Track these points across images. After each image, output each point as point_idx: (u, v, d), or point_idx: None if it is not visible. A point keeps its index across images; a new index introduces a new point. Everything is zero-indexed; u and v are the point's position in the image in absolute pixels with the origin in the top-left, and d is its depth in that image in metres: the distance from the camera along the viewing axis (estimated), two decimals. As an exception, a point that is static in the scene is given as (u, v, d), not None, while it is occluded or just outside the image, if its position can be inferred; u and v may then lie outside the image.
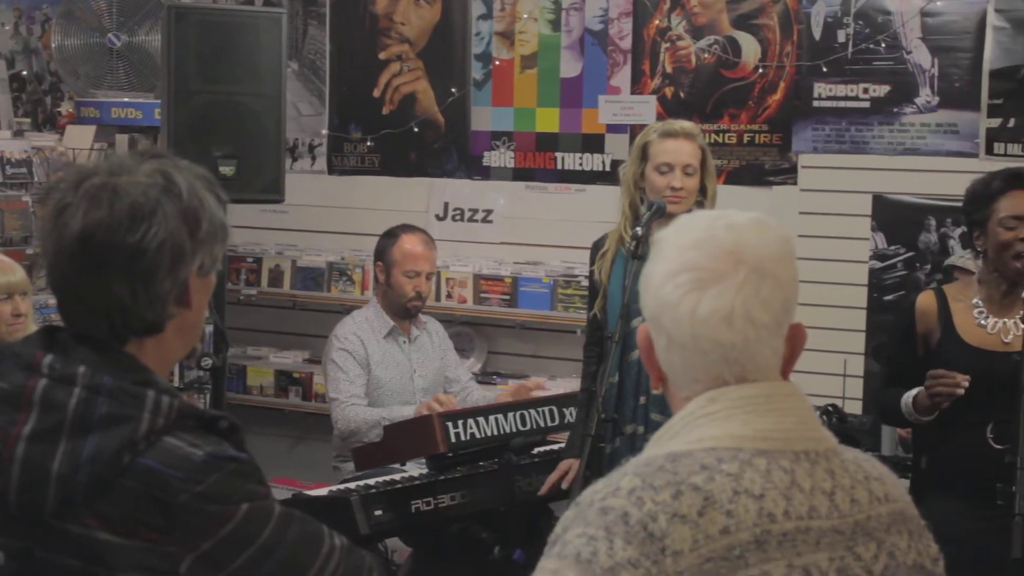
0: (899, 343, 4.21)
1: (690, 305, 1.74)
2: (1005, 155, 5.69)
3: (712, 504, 1.65)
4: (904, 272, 5.96)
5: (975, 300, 4.09)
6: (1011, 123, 5.74)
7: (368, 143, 7.07)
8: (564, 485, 4.56)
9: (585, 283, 6.13)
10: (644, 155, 4.52)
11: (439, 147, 6.91)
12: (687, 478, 1.67)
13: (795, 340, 1.83)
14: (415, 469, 4.89)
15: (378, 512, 4.43)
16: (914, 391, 3.98)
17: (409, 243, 5.64)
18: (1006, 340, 3.98)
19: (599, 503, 1.68)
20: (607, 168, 6.45)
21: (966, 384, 3.81)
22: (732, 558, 1.63)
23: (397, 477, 4.74)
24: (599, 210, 5.88)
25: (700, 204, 4.47)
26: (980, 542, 3.73)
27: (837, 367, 5.85)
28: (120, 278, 2.02)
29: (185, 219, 2.04)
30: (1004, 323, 4.02)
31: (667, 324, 1.77)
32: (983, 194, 4.06)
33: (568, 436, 4.75)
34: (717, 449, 1.72)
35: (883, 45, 5.95)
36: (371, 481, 4.66)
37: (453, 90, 6.84)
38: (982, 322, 4.05)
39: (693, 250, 1.77)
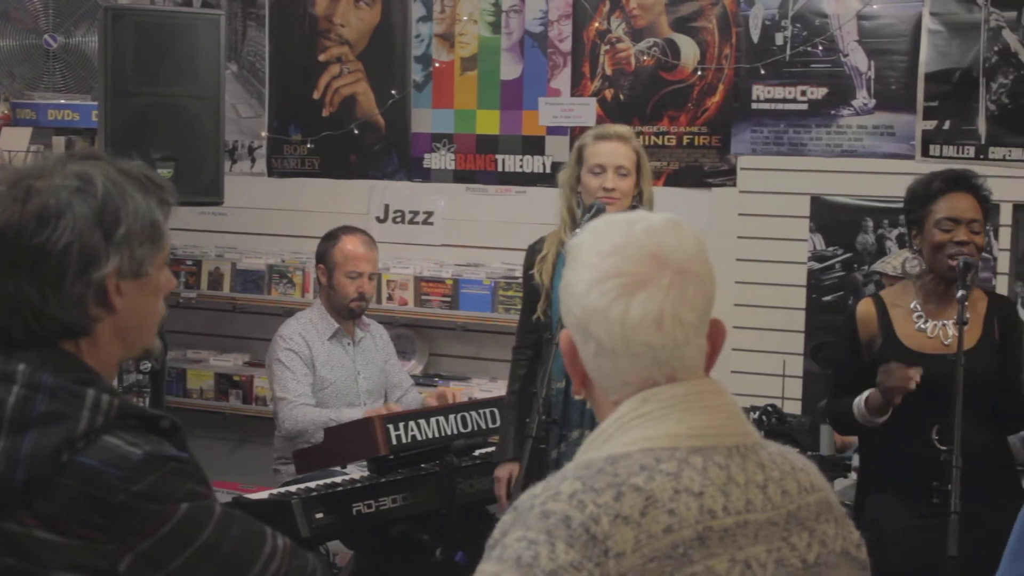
0: (846, 351, 4.23)
1: (619, 311, 1.75)
2: (941, 157, 5.74)
3: (654, 504, 1.66)
4: (842, 273, 6.00)
5: (913, 304, 4.12)
6: (946, 125, 5.80)
7: (308, 145, 7.04)
8: (499, 491, 4.59)
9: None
10: (580, 158, 4.56)
11: (379, 149, 6.90)
12: (628, 479, 1.68)
13: (716, 336, 1.85)
14: (356, 472, 4.88)
15: (319, 515, 4.41)
16: (865, 394, 4.00)
17: (350, 244, 5.63)
18: (946, 342, 4.02)
19: (539, 507, 1.68)
20: (548, 170, 6.46)
21: (917, 377, 3.83)
22: (676, 556, 1.64)
23: (338, 480, 4.72)
24: (540, 212, 5.88)
25: (636, 207, 4.49)
26: (918, 540, 3.77)
27: (776, 368, 5.89)
28: (29, 279, 2.01)
29: (100, 220, 2.03)
30: (943, 325, 4.06)
31: (597, 331, 1.77)
32: (922, 194, 4.10)
33: (498, 441, 4.76)
34: (654, 449, 1.73)
35: (820, 48, 6.00)
36: (312, 484, 4.64)
37: (393, 92, 6.83)
38: (921, 326, 4.09)
39: (615, 256, 1.78)
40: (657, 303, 1.75)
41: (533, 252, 4.71)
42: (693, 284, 1.78)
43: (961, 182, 4.09)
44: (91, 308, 2.04)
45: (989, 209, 4.15)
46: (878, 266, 5.55)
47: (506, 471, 4.60)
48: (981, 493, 3.73)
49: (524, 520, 1.68)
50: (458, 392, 5.78)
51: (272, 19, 7.11)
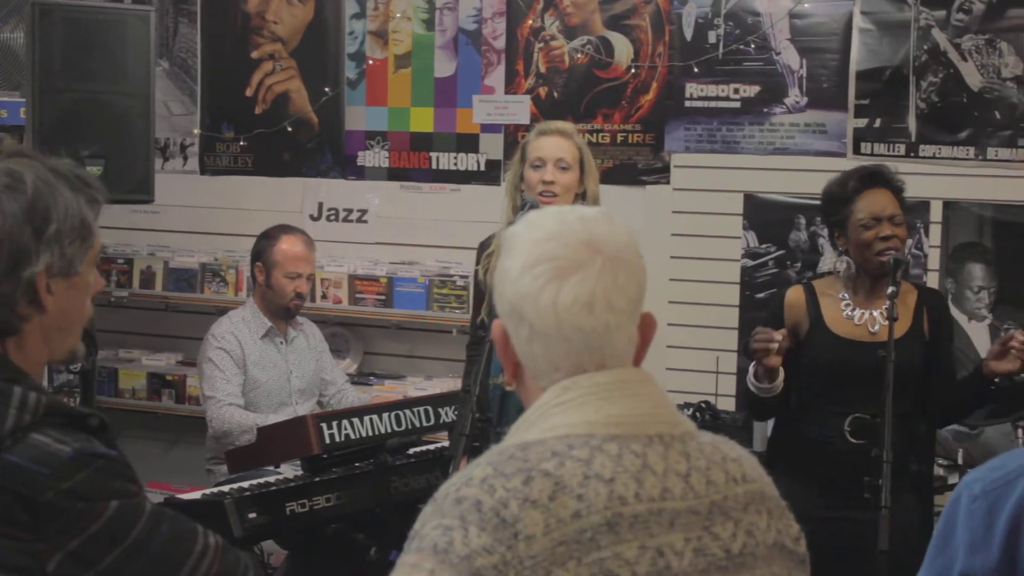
0: None
1: (551, 294, 1.78)
2: (872, 155, 5.79)
3: (563, 489, 1.68)
4: (775, 270, 6.04)
5: (842, 294, 4.16)
6: (877, 123, 5.85)
7: (241, 143, 7.00)
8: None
9: (461, 283, 6.14)
10: (523, 156, 4.56)
11: (313, 147, 6.87)
12: (537, 464, 1.70)
13: (646, 328, 1.87)
14: (290, 471, 4.85)
15: (252, 515, 4.37)
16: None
17: (289, 244, 5.61)
18: (872, 330, 4.07)
19: (454, 494, 1.70)
20: (482, 168, 6.46)
21: (779, 338, 3.85)
22: (584, 541, 1.65)
23: (271, 479, 4.69)
24: (474, 210, 5.89)
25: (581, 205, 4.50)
26: (837, 531, 3.79)
27: (710, 364, 5.92)
28: None
29: (30, 218, 2.01)
30: (871, 314, 4.11)
31: (529, 314, 1.80)
32: (840, 196, 4.15)
33: (450, 438, 4.75)
34: (569, 436, 1.75)
35: (753, 46, 6.03)
36: (245, 484, 4.60)
37: (327, 89, 6.80)
38: (849, 313, 4.13)
39: (549, 242, 1.81)
40: (589, 287, 1.78)
41: (483, 250, 4.70)
42: (624, 271, 1.81)
43: (876, 178, 4.14)
44: (20, 307, 2.02)
45: (906, 202, 4.19)
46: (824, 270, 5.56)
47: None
48: (903, 486, 3.77)
49: (440, 508, 1.70)
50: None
51: (204, 16, 7.06)
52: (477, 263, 4.70)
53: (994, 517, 1.88)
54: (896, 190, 4.15)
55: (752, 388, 4.05)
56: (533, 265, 1.79)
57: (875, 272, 4.06)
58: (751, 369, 4.02)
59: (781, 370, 3.96)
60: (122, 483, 2.00)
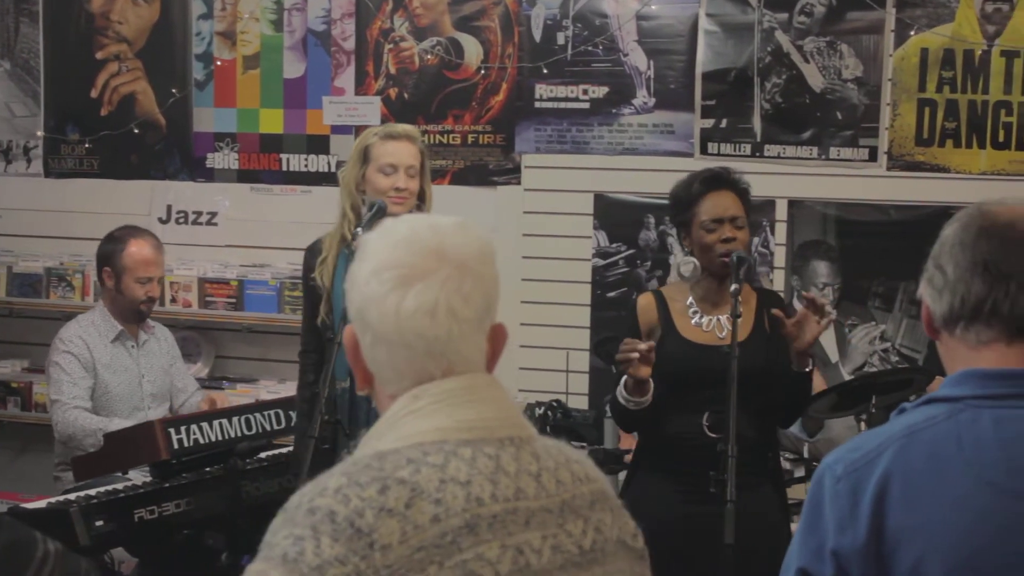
0: None
1: (395, 300, 1.78)
2: (719, 154, 5.89)
3: (420, 495, 1.68)
4: (626, 269, 6.10)
5: (689, 300, 4.20)
6: (723, 124, 5.95)
7: (86, 145, 6.88)
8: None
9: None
10: (365, 157, 4.51)
11: (161, 149, 6.78)
12: (393, 473, 1.70)
13: (497, 339, 1.89)
14: (139, 477, 4.79)
15: (99, 522, 4.32)
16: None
17: (138, 247, 5.53)
18: (720, 335, 4.10)
19: (307, 504, 1.69)
20: (333, 169, 6.42)
21: (643, 347, 3.88)
22: (445, 544, 1.66)
23: (120, 486, 4.64)
24: (325, 211, 5.82)
25: (419, 207, 4.49)
26: (694, 527, 3.85)
27: (562, 363, 5.97)
28: None
29: None
30: (718, 319, 4.15)
31: (372, 319, 1.80)
32: (684, 198, 4.17)
33: (294, 446, 4.70)
34: (423, 443, 1.76)
35: (601, 48, 6.09)
36: (92, 491, 4.54)
37: (174, 91, 6.71)
38: (697, 321, 4.17)
39: (398, 248, 1.82)
40: (432, 295, 1.78)
41: (312, 254, 4.62)
42: (471, 280, 1.81)
43: (719, 180, 4.17)
44: None
45: (750, 203, 4.23)
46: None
47: None
48: (752, 482, 3.84)
49: (292, 518, 1.69)
50: (222, 397, 5.63)
51: (46, 16, 6.92)
52: (307, 268, 4.62)
53: (858, 496, 1.93)
54: (740, 192, 4.19)
55: (621, 400, 4.07)
56: (380, 271, 1.80)
57: (719, 273, 4.10)
58: (622, 381, 4.04)
59: (651, 381, 3.99)
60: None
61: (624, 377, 4.00)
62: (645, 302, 4.26)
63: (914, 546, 1.88)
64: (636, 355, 3.86)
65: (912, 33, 5.72)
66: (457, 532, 1.67)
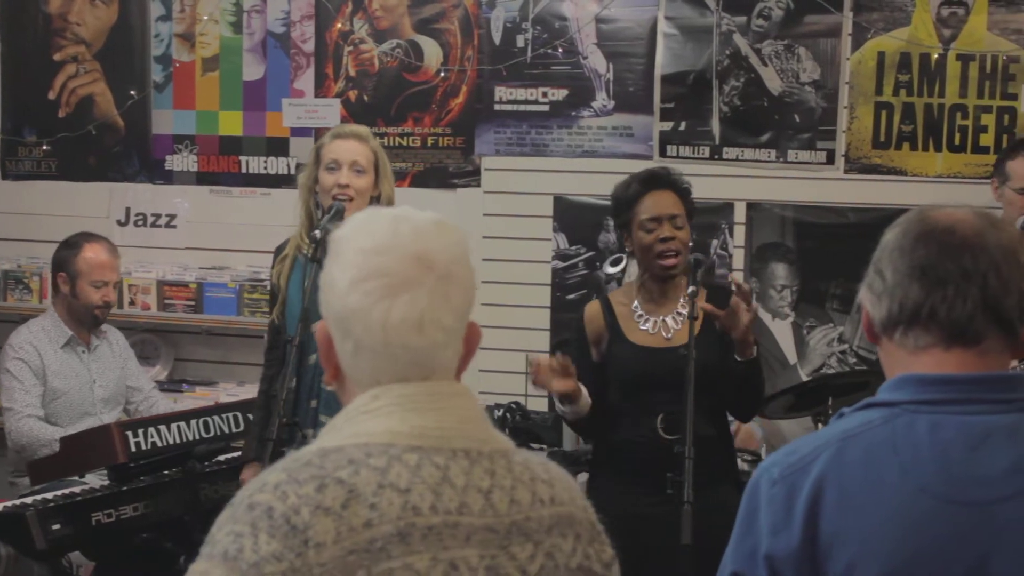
0: (576, 351, 4.27)
1: (381, 312, 1.76)
2: (677, 157, 5.90)
3: (356, 497, 1.67)
4: (585, 271, 6.11)
5: (635, 304, 4.20)
6: (682, 126, 5.96)
7: (44, 147, 6.84)
8: None
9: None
10: (318, 159, 4.53)
11: (119, 151, 6.75)
12: (332, 472, 1.69)
13: (471, 339, 1.87)
14: (96, 481, 4.77)
15: (56, 526, 4.29)
16: None
17: (93, 252, 5.51)
18: (667, 336, 4.10)
19: (247, 500, 1.68)
20: (292, 171, 6.40)
21: (555, 363, 3.88)
22: (374, 550, 1.65)
23: (77, 490, 4.61)
24: (285, 214, 5.80)
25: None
26: (652, 529, 3.85)
27: (521, 365, 5.97)
28: None
29: None
30: (663, 320, 4.14)
31: (356, 330, 1.78)
32: (624, 198, 4.16)
33: (246, 439, 4.71)
34: (369, 444, 1.74)
35: (560, 50, 6.10)
36: (49, 495, 4.52)
37: (132, 93, 6.69)
38: (644, 324, 4.16)
39: (380, 255, 1.78)
40: (419, 307, 1.76)
41: (278, 253, 4.66)
42: (456, 288, 1.80)
43: (658, 180, 4.16)
44: None
45: (692, 203, 4.20)
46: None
47: (251, 472, 4.54)
48: (707, 482, 3.85)
49: (234, 514, 1.68)
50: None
51: (3, 17, 6.89)
52: (272, 268, 4.64)
53: (793, 500, 1.93)
54: (681, 191, 4.17)
55: (558, 411, 4.10)
56: (363, 280, 1.77)
57: (658, 274, 4.09)
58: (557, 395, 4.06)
59: (583, 389, 4.00)
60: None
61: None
62: (591, 311, 4.27)
63: (847, 551, 1.88)
64: (532, 376, 3.89)
65: (869, 37, 5.76)
66: (388, 539, 1.66)
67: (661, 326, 4.14)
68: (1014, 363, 2.21)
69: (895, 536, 1.86)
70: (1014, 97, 5.64)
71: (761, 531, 1.95)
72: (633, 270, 4.44)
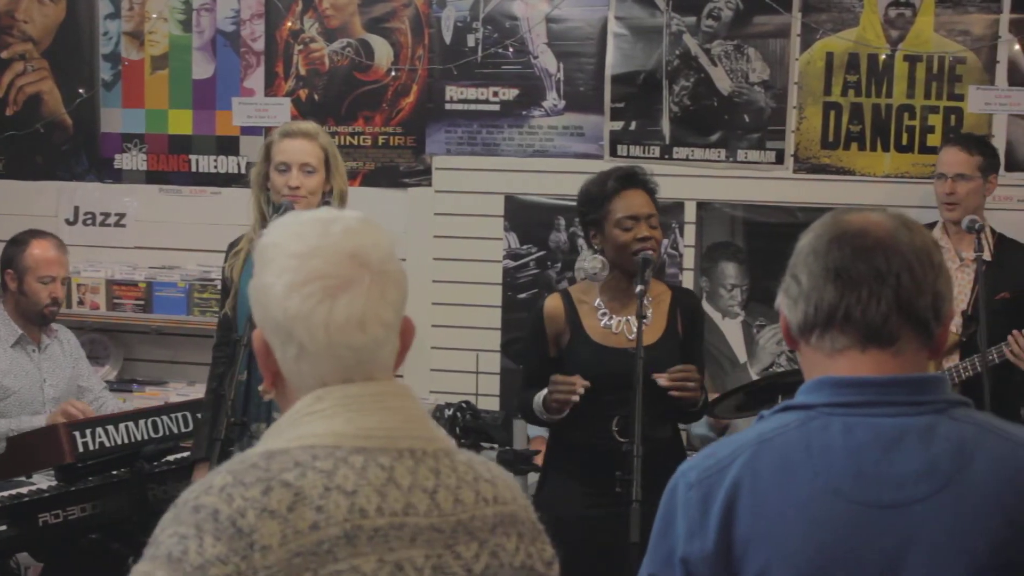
0: (531, 345, 4.28)
1: (324, 314, 1.76)
2: (628, 156, 5.92)
3: (302, 500, 1.67)
4: (536, 271, 6.12)
5: (597, 301, 4.19)
6: (632, 126, 5.98)
7: (-9, 146, 6.80)
8: None
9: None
10: (268, 156, 4.51)
11: (68, 149, 6.71)
12: (278, 475, 1.69)
13: (406, 334, 1.87)
14: (44, 481, 4.73)
15: (2, 527, 4.26)
16: (543, 392, 4.05)
17: (41, 248, 5.47)
18: (630, 337, 4.06)
19: (192, 502, 1.68)
20: (242, 171, 6.39)
21: (582, 390, 3.91)
22: (321, 553, 1.65)
23: (24, 490, 4.57)
24: (235, 213, 5.80)
25: (328, 204, 4.48)
26: (601, 528, 3.85)
27: (472, 364, 5.97)
28: None
29: None
30: (627, 320, 4.12)
31: (299, 335, 1.77)
32: (598, 195, 4.14)
33: (195, 438, 4.69)
34: (315, 447, 1.74)
35: (511, 50, 6.11)
36: (-6, 496, 4.49)
37: (81, 91, 6.65)
38: (607, 323, 4.16)
39: (315, 258, 1.78)
40: (360, 305, 1.77)
41: (231, 248, 4.65)
42: (391, 284, 1.81)
43: (633, 179, 4.16)
44: None
45: (659, 203, 4.22)
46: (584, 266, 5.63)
47: (202, 472, 4.52)
48: (661, 482, 3.85)
49: (179, 515, 1.67)
50: (82, 406, 5.50)
51: (-49, 14, 6.84)
52: (225, 262, 4.64)
53: (709, 504, 1.93)
54: (651, 192, 4.18)
55: (539, 415, 4.09)
56: (301, 285, 1.77)
57: (633, 272, 4.09)
58: (541, 398, 4.04)
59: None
60: None
61: (544, 401, 4.02)
62: (552, 305, 4.23)
63: (761, 554, 1.88)
64: (576, 398, 3.90)
65: (818, 37, 5.79)
66: (334, 542, 1.66)
67: (624, 326, 4.13)
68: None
69: (808, 539, 1.86)
70: (961, 98, 5.69)
71: (677, 534, 1.95)
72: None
